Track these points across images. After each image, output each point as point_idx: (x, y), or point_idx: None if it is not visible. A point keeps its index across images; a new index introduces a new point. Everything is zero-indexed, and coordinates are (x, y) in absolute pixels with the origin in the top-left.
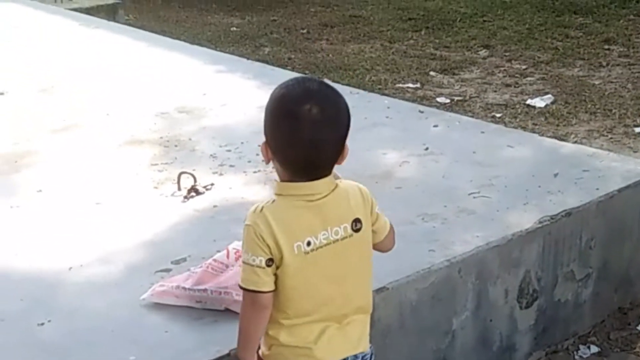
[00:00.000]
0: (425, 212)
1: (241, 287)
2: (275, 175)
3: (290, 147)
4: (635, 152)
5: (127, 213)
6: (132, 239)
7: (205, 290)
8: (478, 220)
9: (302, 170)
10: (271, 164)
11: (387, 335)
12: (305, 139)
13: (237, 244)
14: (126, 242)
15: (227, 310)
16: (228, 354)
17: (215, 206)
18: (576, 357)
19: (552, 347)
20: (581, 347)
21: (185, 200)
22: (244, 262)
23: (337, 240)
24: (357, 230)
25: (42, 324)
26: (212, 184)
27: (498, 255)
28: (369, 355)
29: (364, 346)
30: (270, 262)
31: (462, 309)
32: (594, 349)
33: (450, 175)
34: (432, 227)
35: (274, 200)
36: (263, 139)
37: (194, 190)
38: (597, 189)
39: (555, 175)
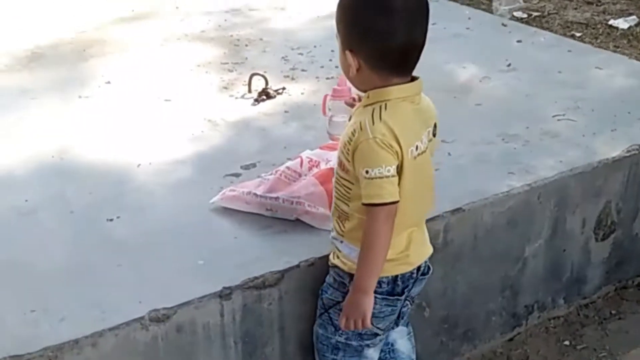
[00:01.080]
0: (506, 132)
1: (374, 204)
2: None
3: (389, 40)
4: None
5: (196, 112)
6: (201, 140)
7: (277, 198)
8: (562, 144)
9: (403, 66)
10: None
11: (458, 259)
12: (404, 30)
13: (310, 153)
14: (195, 142)
15: (297, 220)
16: (297, 265)
17: (286, 112)
18: None
19: (622, 282)
20: None
21: (256, 103)
22: (373, 178)
23: (427, 144)
24: (434, 135)
25: (111, 219)
26: (284, 88)
27: (581, 182)
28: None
29: (431, 247)
30: (397, 169)
31: (537, 236)
32: None
33: (534, 94)
34: (513, 149)
35: (385, 107)
36: (336, 45)
37: (265, 94)
38: None
39: None
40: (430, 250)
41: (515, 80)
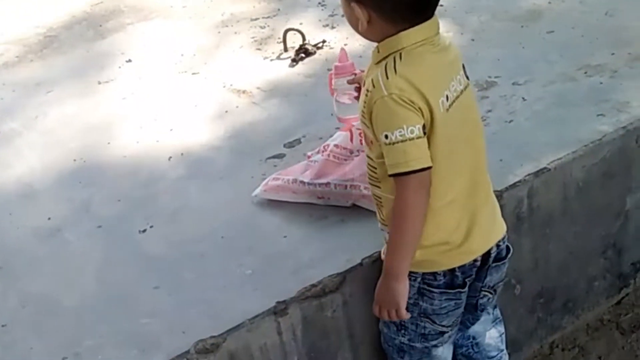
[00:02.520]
0: (588, 64)
1: (401, 174)
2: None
3: None
4: None
5: (228, 84)
6: (235, 117)
7: (327, 184)
8: None
9: (422, 10)
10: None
11: (549, 224)
12: None
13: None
14: (229, 121)
15: (354, 206)
16: (360, 264)
17: (329, 69)
18: None
19: None
20: None
21: (294, 63)
22: (395, 143)
23: (462, 90)
24: (468, 77)
25: (144, 230)
26: (324, 41)
27: None
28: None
29: (504, 225)
30: (424, 128)
31: (638, 184)
32: None
33: (617, 11)
34: (599, 84)
35: (400, 57)
36: None
37: (303, 51)
38: None
39: None
40: (503, 230)
41: None
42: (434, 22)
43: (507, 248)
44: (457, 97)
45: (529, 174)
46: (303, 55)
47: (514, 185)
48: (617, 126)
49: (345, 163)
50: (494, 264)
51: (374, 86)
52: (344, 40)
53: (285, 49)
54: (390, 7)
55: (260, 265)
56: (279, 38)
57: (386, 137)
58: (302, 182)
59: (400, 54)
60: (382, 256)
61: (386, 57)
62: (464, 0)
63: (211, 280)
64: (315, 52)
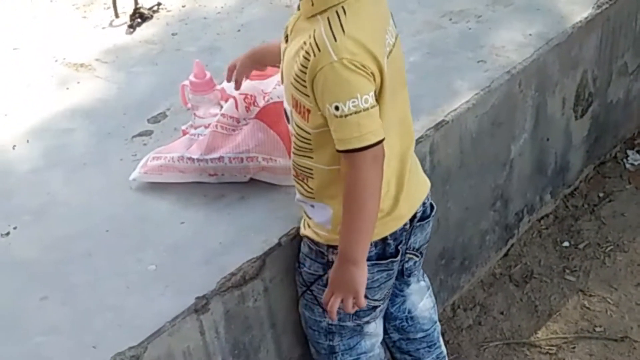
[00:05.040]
0: (450, 10)
1: (354, 150)
2: None
3: None
4: None
5: (60, 58)
6: (82, 95)
7: (220, 158)
8: (521, 12)
9: None
10: None
11: (448, 181)
12: None
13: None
14: (76, 100)
15: (251, 180)
16: (279, 244)
17: (174, 34)
18: (627, 165)
19: (600, 159)
20: (629, 152)
21: (131, 30)
22: (348, 115)
23: (394, 43)
24: (395, 26)
25: (7, 233)
26: (159, 4)
27: (558, 56)
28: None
29: (427, 181)
30: (375, 94)
31: (521, 131)
32: None
33: None
34: (468, 29)
35: (343, 12)
36: None
37: (138, 15)
38: None
39: None
40: (427, 187)
41: None
42: None
43: (431, 205)
44: (391, 50)
45: (429, 129)
46: (139, 20)
47: (418, 140)
48: (501, 71)
49: (234, 134)
50: (417, 223)
51: (319, 49)
52: (181, 2)
53: (117, 15)
54: None
55: (163, 259)
56: (105, 3)
57: (337, 108)
58: (190, 158)
59: (343, 8)
60: (302, 231)
61: (323, 11)
62: None
63: (109, 282)
64: (152, 17)
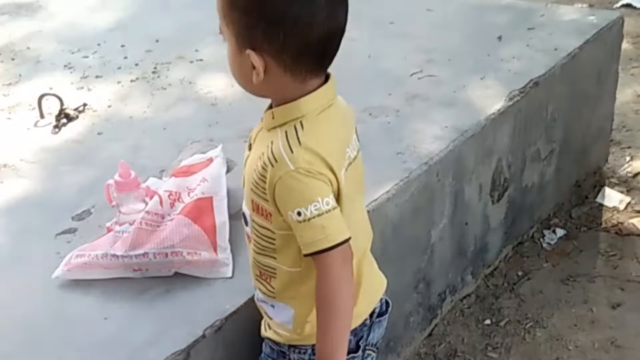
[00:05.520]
0: (370, 105)
1: (322, 251)
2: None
3: (311, 27)
4: None
5: None
6: (4, 194)
7: (145, 254)
8: (437, 106)
9: (323, 61)
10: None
11: None
12: (326, 11)
13: (164, 185)
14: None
15: (176, 274)
16: (203, 336)
17: (99, 133)
18: (543, 244)
19: (518, 239)
20: (546, 232)
21: (57, 130)
22: (311, 219)
23: (356, 155)
24: (358, 140)
25: None
26: (85, 105)
27: (473, 146)
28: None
29: (384, 278)
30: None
31: (441, 217)
32: (560, 232)
33: (378, 55)
34: (387, 124)
35: (301, 125)
36: (127, 36)
37: (63, 116)
38: (556, 49)
39: (500, 38)
40: (384, 283)
41: (348, 41)
42: (331, 85)
43: (387, 302)
44: (351, 162)
45: None
46: (65, 120)
47: None
48: (419, 162)
49: (159, 229)
50: (377, 319)
51: (276, 160)
52: (108, 102)
53: (42, 116)
54: (294, 57)
55: (87, 357)
56: (31, 104)
57: (299, 214)
58: (114, 255)
59: (302, 122)
60: (263, 333)
61: (283, 124)
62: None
63: None
64: (77, 117)
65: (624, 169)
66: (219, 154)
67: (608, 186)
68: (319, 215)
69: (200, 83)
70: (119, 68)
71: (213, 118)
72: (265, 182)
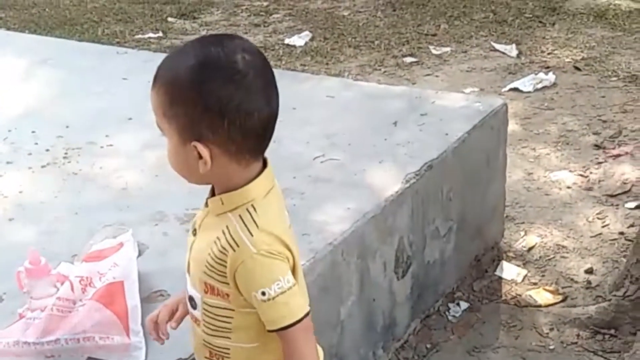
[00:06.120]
0: None
1: (287, 327)
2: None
3: (253, 115)
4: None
5: None
6: None
7: (57, 340)
8: (340, 188)
9: (262, 145)
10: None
11: None
12: (264, 99)
13: (75, 270)
14: None
15: (89, 358)
16: None
17: (11, 219)
18: (449, 317)
19: (425, 313)
20: (450, 305)
21: None
22: (275, 297)
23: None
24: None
25: None
26: None
27: (375, 226)
28: None
29: None
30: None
31: (348, 294)
32: (464, 305)
33: (282, 139)
34: (293, 205)
35: (254, 209)
36: (37, 122)
37: None
38: (447, 134)
39: (395, 123)
40: (321, 353)
41: None
42: (270, 167)
43: None
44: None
45: None
46: None
47: None
48: (324, 243)
49: (71, 315)
50: None
51: (237, 245)
52: (19, 187)
53: None
54: (239, 139)
55: None
56: None
57: (263, 294)
58: (26, 342)
59: (253, 206)
60: None
61: (234, 209)
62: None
63: None
64: None
65: (519, 244)
66: (129, 239)
67: (505, 260)
68: (282, 293)
69: (111, 168)
70: (30, 154)
71: (124, 202)
72: (223, 265)
